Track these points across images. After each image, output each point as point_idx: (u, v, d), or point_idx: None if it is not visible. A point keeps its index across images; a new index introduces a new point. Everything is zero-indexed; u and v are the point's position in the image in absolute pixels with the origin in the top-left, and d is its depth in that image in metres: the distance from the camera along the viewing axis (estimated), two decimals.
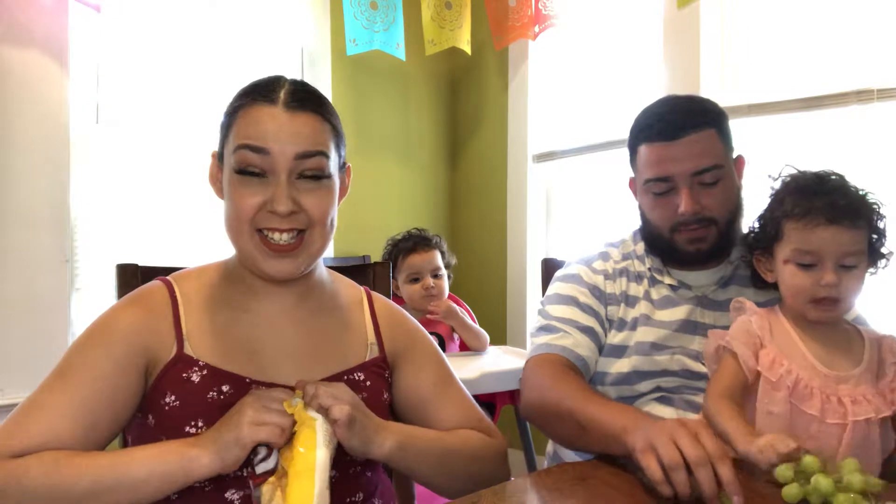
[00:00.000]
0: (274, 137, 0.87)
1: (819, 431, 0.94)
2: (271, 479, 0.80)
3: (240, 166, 0.88)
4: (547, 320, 1.26)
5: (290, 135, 0.87)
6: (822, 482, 0.78)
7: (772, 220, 1.04)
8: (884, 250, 1.01)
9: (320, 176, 0.90)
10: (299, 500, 0.76)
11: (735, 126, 1.25)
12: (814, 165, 1.07)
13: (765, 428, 0.95)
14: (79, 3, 1.93)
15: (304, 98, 0.91)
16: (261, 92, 0.90)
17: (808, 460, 0.81)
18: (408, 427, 0.94)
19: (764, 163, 1.93)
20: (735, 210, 1.20)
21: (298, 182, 0.89)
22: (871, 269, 1.02)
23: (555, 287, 1.32)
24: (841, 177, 1.02)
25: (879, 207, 1.00)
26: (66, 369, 0.86)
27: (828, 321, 1.00)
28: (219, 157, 0.95)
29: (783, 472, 0.82)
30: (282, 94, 0.89)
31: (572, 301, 1.26)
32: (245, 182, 0.88)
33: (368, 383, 0.96)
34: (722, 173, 1.16)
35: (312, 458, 0.78)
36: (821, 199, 0.97)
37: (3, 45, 1.86)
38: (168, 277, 0.96)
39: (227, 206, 0.91)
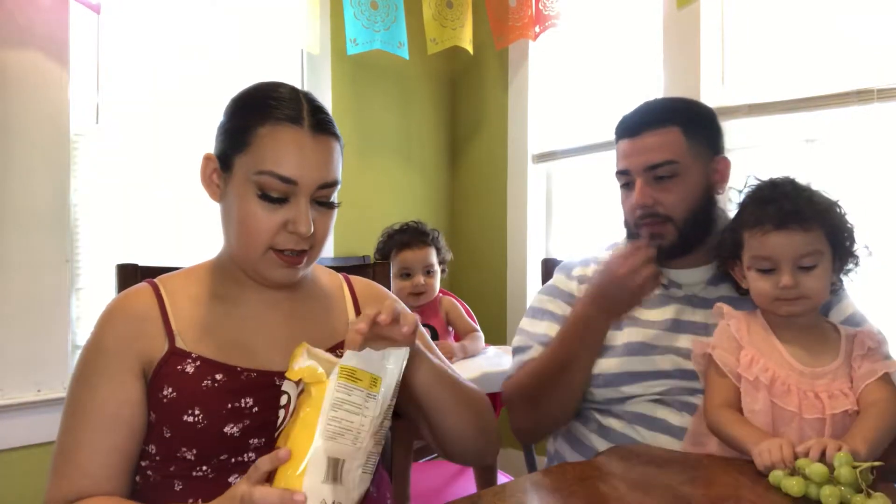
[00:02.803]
0: (301, 166, 0.89)
1: (800, 427, 0.96)
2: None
3: (264, 191, 0.89)
4: (521, 339, 1.31)
5: (316, 164, 0.90)
6: (815, 469, 0.80)
7: (733, 230, 1.09)
8: (854, 246, 1.04)
9: (331, 203, 0.95)
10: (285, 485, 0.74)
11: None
12: (783, 171, 1.11)
13: (756, 423, 0.99)
14: (79, 4, 1.93)
15: (325, 120, 0.93)
16: (284, 110, 0.90)
17: (800, 462, 0.84)
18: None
19: (764, 163, 1.94)
20: (696, 209, 1.20)
21: (312, 206, 0.92)
22: (849, 266, 1.05)
23: (534, 300, 1.37)
24: (792, 181, 1.06)
25: (833, 206, 1.03)
26: (75, 406, 0.90)
27: (800, 315, 1.03)
28: (223, 163, 0.94)
29: (776, 476, 0.85)
30: (306, 115, 0.91)
31: (548, 315, 1.30)
32: (264, 205, 0.90)
33: None
34: (677, 169, 1.18)
35: (309, 441, 0.75)
36: (771, 207, 1.02)
37: (3, 45, 1.86)
38: (153, 279, 0.99)
39: (239, 223, 0.92)
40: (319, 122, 0.91)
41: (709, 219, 1.22)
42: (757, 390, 0.99)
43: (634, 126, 1.22)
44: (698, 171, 1.21)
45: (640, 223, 1.22)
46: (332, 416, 0.76)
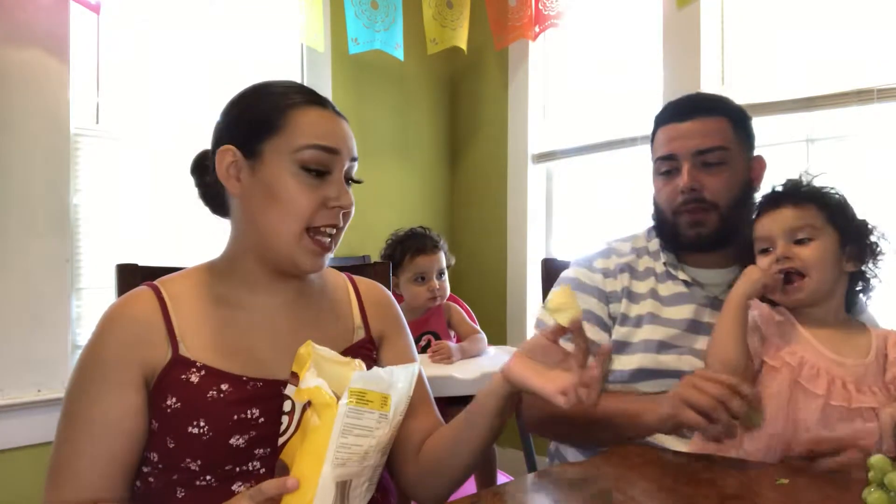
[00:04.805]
0: (338, 138, 0.94)
1: (824, 413, 0.96)
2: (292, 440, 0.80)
3: (309, 165, 0.91)
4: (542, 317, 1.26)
5: (346, 139, 0.95)
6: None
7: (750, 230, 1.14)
8: (869, 238, 1.07)
9: (354, 179, 0.99)
10: None
11: None
12: (783, 172, 1.14)
13: (769, 405, 1.00)
14: (78, 5, 1.93)
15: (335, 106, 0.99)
16: (308, 96, 0.95)
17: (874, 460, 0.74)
18: None
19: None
20: (739, 201, 1.20)
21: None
22: (868, 259, 1.07)
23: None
24: (798, 178, 1.12)
25: (837, 196, 1.09)
26: (74, 416, 0.87)
27: (805, 301, 1.05)
28: (246, 151, 0.93)
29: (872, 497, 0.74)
30: (324, 101, 0.97)
31: None
32: (306, 181, 0.92)
33: None
34: (726, 156, 1.18)
35: (318, 469, 0.75)
36: (767, 195, 1.11)
37: (4, 44, 1.86)
38: (153, 282, 0.96)
39: (276, 204, 0.91)
40: (335, 108, 0.98)
41: (745, 215, 1.20)
42: (778, 372, 1.00)
43: (684, 111, 1.21)
44: (742, 163, 1.21)
45: (682, 209, 1.20)
46: (341, 443, 0.75)
